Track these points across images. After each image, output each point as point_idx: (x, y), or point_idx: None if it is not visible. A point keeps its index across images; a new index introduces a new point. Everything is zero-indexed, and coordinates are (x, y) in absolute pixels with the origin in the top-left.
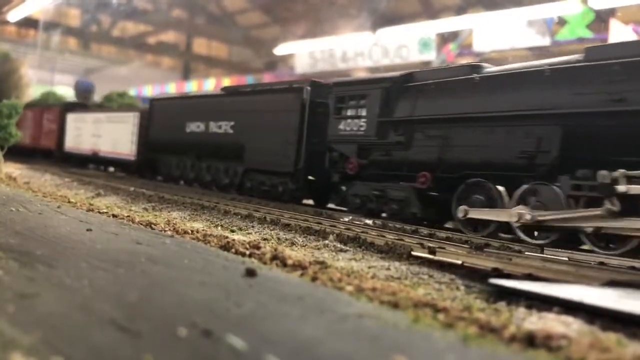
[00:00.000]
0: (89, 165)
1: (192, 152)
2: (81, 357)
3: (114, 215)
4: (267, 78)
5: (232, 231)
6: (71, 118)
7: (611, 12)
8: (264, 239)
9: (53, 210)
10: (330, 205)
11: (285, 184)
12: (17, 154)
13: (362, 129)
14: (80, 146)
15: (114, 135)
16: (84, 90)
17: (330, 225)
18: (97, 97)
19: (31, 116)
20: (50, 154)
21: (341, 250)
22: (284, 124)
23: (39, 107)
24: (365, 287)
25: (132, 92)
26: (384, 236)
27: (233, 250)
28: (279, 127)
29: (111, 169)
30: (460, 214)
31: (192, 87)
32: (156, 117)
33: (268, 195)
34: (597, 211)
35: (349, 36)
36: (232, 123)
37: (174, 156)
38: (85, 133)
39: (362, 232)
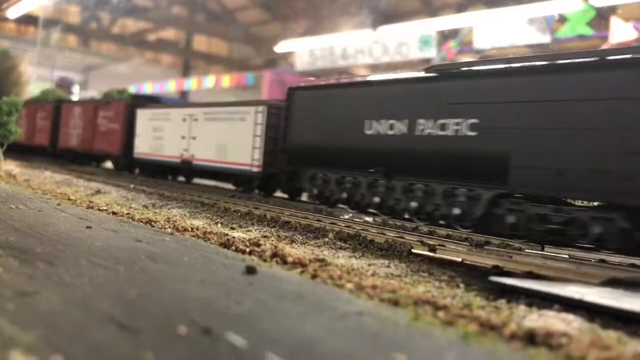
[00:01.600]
0: (173, 177)
1: (376, 165)
2: (81, 355)
3: (113, 213)
4: (266, 75)
5: (232, 229)
6: (144, 115)
7: (612, 10)
8: (264, 237)
9: (53, 207)
10: None
11: (611, 224)
12: (60, 158)
13: None
14: (161, 152)
15: (220, 138)
16: (69, 85)
17: (330, 223)
18: (96, 94)
19: (78, 114)
20: (111, 161)
21: (341, 248)
22: (616, 120)
23: (89, 103)
24: (365, 284)
25: (132, 89)
26: (384, 234)
27: (233, 247)
28: (606, 126)
29: (208, 181)
30: None
31: (191, 84)
32: (301, 114)
33: (555, 239)
34: None
35: (349, 34)
36: (473, 121)
37: (334, 170)
38: (169, 134)
39: (362, 229)
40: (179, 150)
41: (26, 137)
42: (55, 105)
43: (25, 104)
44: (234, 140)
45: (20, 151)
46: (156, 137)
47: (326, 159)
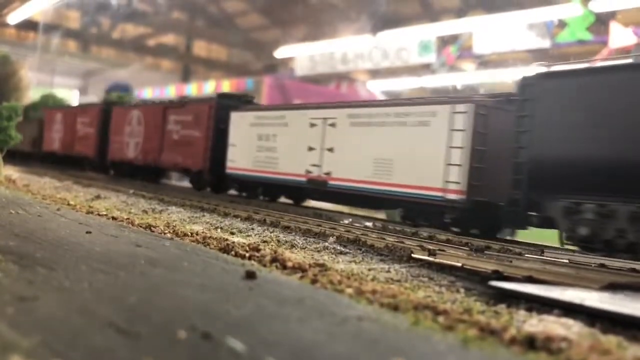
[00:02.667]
0: (294, 201)
1: None
2: None
3: (113, 218)
4: (266, 80)
5: (232, 234)
6: (243, 119)
7: (611, 15)
8: (264, 242)
9: (52, 212)
10: None
11: None
12: (112, 171)
13: None
14: (274, 167)
15: (380, 150)
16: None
17: (330, 228)
18: (96, 100)
19: (137, 119)
20: (189, 177)
21: (341, 253)
22: None
23: (153, 105)
24: (365, 289)
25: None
26: (384, 239)
27: (233, 252)
28: None
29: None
30: None
31: (191, 89)
32: (559, 111)
33: None
34: None
35: (349, 39)
36: None
37: (626, 198)
38: (286, 145)
39: (362, 234)
40: (304, 166)
41: (62, 146)
42: (102, 108)
43: (60, 108)
44: (409, 153)
45: (57, 162)
46: (264, 147)
47: (616, 180)
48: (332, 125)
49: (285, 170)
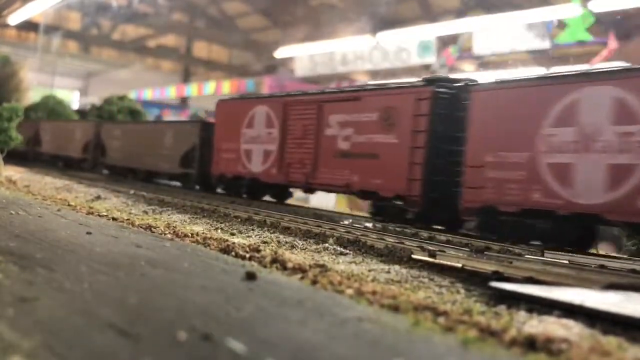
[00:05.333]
0: None
1: None
2: None
3: (113, 219)
4: (267, 81)
5: (232, 234)
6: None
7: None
8: (264, 242)
9: (53, 213)
10: None
11: None
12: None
13: None
14: None
15: None
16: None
17: (330, 229)
18: (97, 101)
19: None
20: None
21: (341, 254)
22: None
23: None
24: (365, 290)
25: (132, 95)
26: (384, 239)
27: (233, 253)
28: None
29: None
30: None
31: (192, 90)
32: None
33: None
34: None
35: (349, 39)
36: None
37: None
38: None
39: (362, 235)
40: None
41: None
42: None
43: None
44: None
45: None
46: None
47: None
48: None
49: None
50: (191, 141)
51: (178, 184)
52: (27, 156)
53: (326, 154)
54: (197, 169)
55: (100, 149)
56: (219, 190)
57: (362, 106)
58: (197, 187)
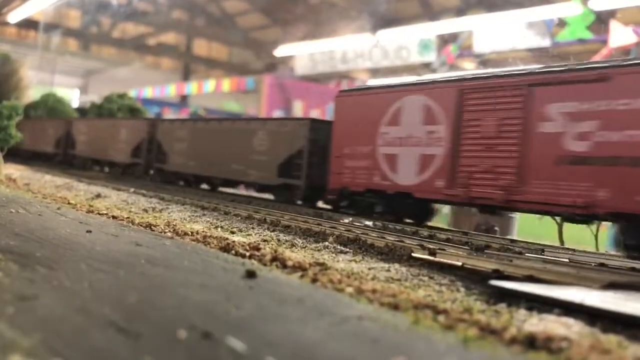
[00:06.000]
0: None
1: None
2: (80, 359)
3: (113, 217)
4: (266, 79)
5: (232, 233)
6: None
7: (611, 14)
8: (264, 241)
9: (53, 211)
10: None
11: None
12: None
13: None
14: None
15: None
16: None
17: (330, 227)
18: (97, 99)
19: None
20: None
21: (341, 252)
22: None
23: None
24: (365, 288)
25: (132, 93)
26: (384, 238)
27: (233, 251)
28: None
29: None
30: None
31: (192, 88)
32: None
33: None
34: None
35: (349, 38)
36: None
37: None
38: None
39: (362, 233)
40: None
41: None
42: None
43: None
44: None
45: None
46: None
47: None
48: None
49: None
50: (296, 144)
51: (267, 194)
52: (55, 159)
53: (541, 160)
54: (304, 179)
55: (157, 152)
56: (334, 205)
57: (613, 89)
58: (300, 202)
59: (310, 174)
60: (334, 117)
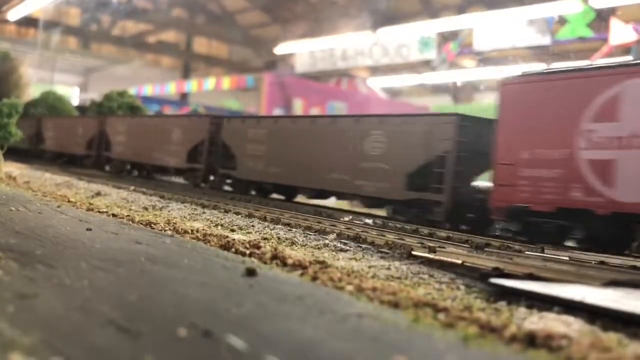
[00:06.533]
0: None
1: None
2: (81, 358)
3: (113, 215)
4: (266, 77)
5: (233, 230)
6: None
7: (612, 11)
8: (264, 239)
9: (53, 209)
10: None
11: None
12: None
13: None
14: None
15: None
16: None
17: (331, 225)
18: (97, 97)
19: None
20: None
21: (341, 250)
22: None
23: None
24: (365, 287)
25: (132, 91)
26: (384, 236)
27: (233, 249)
28: None
29: None
30: None
31: (192, 86)
32: None
33: None
34: None
35: (349, 35)
36: None
37: None
38: None
39: (362, 231)
40: None
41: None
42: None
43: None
44: None
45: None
46: None
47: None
48: None
49: None
50: (437, 148)
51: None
52: (88, 161)
53: None
54: (449, 193)
55: (222, 156)
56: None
57: None
58: (444, 222)
59: (456, 186)
60: (500, 112)
